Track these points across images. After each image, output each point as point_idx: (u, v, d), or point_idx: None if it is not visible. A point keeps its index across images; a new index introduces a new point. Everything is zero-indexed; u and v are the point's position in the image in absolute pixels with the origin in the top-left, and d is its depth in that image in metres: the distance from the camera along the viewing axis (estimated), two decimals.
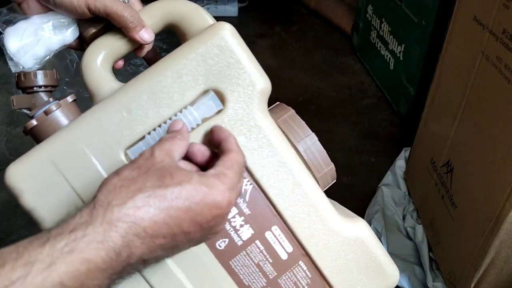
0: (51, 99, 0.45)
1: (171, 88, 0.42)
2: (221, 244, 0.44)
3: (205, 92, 0.42)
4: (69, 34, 0.46)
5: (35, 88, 0.45)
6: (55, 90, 0.46)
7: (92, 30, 0.45)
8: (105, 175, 0.42)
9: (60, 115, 0.44)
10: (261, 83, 0.43)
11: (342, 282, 0.46)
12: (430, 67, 1.05)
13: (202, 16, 0.45)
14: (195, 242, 0.36)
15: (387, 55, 1.34)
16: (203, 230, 0.35)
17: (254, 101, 0.43)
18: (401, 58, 1.25)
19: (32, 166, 0.42)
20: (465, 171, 0.75)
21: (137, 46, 0.46)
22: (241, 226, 0.44)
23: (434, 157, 0.87)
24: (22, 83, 0.45)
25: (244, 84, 0.42)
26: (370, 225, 0.91)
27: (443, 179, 0.83)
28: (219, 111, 0.42)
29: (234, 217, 0.44)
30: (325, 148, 0.49)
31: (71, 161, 0.42)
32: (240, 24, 1.80)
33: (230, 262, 0.45)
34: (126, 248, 0.31)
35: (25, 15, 0.44)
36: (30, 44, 0.44)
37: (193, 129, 0.42)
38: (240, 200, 0.44)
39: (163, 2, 0.45)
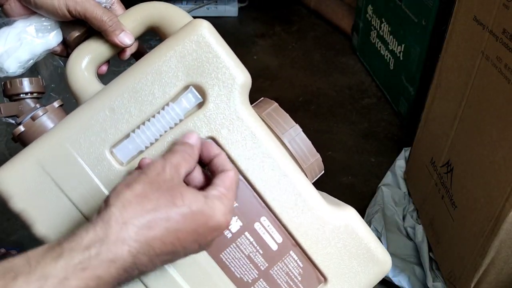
0: (38, 105, 0.46)
1: (152, 86, 0.43)
2: None
3: (186, 88, 0.43)
4: (52, 38, 0.46)
5: (21, 95, 0.45)
6: (42, 97, 0.47)
7: (76, 34, 0.46)
8: (91, 174, 0.43)
9: (47, 120, 0.45)
10: (241, 76, 0.43)
11: (334, 270, 0.47)
12: (430, 67, 1.05)
13: (181, 17, 0.46)
14: (191, 254, 0.38)
15: (387, 55, 1.34)
16: (201, 246, 0.37)
17: (235, 94, 0.43)
18: (401, 58, 1.25)
19: (20, 169, 0.42)
20: (465, 171, 0.75)
21: (120, 50, 0.46)
22: None
23: (434, 157, 0.87)
24: (8, 90, 0.45)
25: (223, 78, 0.43)
26: (370, 225, 0.92)
27: (443, 179, 0.83)
28: (200, 104, 0.43)
29: None
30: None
31: (57, 162, 0.42)
32: (240, 24, 1.80)
33: (221, 256, 0.45)
34: (133, 265, 0.32)
35: (7, 18, 0.45)
36: (13, 48, 0.44)
37: (176, 124, 0.43)
38: None
39: (143, 5, 0.46)
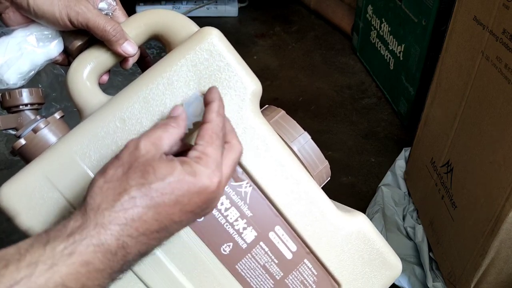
0: (38, 117, 0.44)
1: (163, 95, 0.41)
2: (226, 248, 0.44)
3: (195, 97, 0.42)
4: (54, 47, 0.44)
5: (21, 106, 0.43)
6: (41, 108, 0.45)
7: (78, 43, 0.44)
8: None
9: (48, 133, 0.43)
10: (252, 85, 0.43)
11: (347, 276, 0.46)
12: (430, 67, 1.05)
13: (186, 25, 0.44)
14: (189, 223, 0.37)
15: (387, 55, 1.34)
16: (196, 214, 0.36)
17: (246, 102, 0.43)
18: (401, 58, 1.25)
19: (26, 184, 0.41)
20: (465, 171, 0.75)
21: (122, 58, 0.45)
22: (244, 228, 0.44)
23: (434, 157, 0.87)
24: (7, 102, 0.43)
25: (235, 86, 0.42)
26: None
27: (443, 179, 0.83)
28: None
29: (236, 220, 0.44)
30: (325, 148, 0.49)
31: (66, 175, 0.41)
32: (240, 24, 1.80)
33: (236, 266, 0.45)
34: (121, 249, 0.32)
35: (6, 27, 0.43)
36: (13, 59, 0.42)
37: (185, 134, 0.42)
38: (241, 203, 0.44)
39: (146, 13, 0.45)
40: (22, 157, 0.43)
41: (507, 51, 0.62)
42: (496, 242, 0.66)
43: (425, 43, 1.10)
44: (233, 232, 0.44)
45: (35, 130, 0.42)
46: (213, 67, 0.42)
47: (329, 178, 0.51)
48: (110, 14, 0.45)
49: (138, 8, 1.75)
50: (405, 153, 1.08)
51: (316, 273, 0.46)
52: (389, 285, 0.49)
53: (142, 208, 0.32)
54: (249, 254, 0.45)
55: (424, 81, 1.12)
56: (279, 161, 0.44)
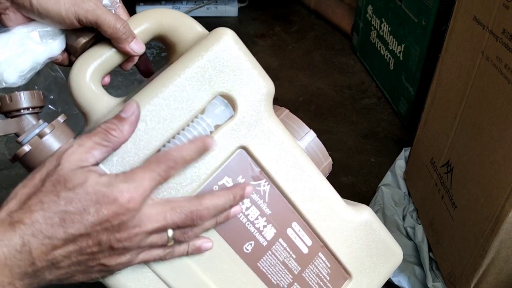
0: (40, 121, 0.41)
1: (180, 98, 0.40)
2: (248, 247, 0.45)
3: (213, 99, 0.42)
4: (56, 45, 0.42)
5: (22, 110, 0.40)
6: (41, 111, 0.42)
7: (83, 41, 0.42)
8: None
9: (53, 138, 0.40)
10: (266, 85, 0.43)
11: (357, 266, 0.49)
12: (430, 67, 1.05)
13: (191, 26, 0.44)
14: (108, 247, 0.35)
15: (387, 55, 1.34)
16: (107, 230, 0.35)
17: (262, 103, 0.43)
18: (401, 58, 1.25)
19: None
20: (465, 171, 0.75)
21: (126, 58, 0.44)
22: (264, 226, 0.45)
23: (434, 157, 0.87)
24: (7, 106, 0.40)
25: (251, 88, 0.42)
26: None
27: (443, 179, 0.83)
28: (230, 117, 0.42)
29: (257, 218, 0.45)
30: (325, 148, 0.51)
31: None
32: (240, 24, 1.80)
33: (258, 264, 0.46)
34: (26, 247, 0.33)
35: (5, 27, 0.41)
36: (14, 56, 0.40)
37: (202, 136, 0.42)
38: (260, 201, 0.45)
39: (150, 12, 0.44)
40: (24, 164, 0.40)
41: (507, 51, 0.62)
42: (496, 242, 0.66)
43: (425, 43, 1.10)
44: (254, 231, 0.45)
45: (40, 135, 0.40)
46: (228, 69, 0.41)
47: (328, 174, 0.53)
48: (113, 11, 0.43)
49: (138, 8, 1.75)
50: (405, 153, 1.08)
51: (329, 265, 0.48)
52: (393, 271, 0.52)
53: (48, 212, 0.33)
54: (269, 251, 0.46)
55: (424, 81, 1.12)
56: (294, 160, 0.45)
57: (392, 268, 0.51)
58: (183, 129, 0.41)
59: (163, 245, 0.39)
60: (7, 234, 0.32)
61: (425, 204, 0.91)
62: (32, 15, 0.41)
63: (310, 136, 0.50)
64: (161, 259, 0.40)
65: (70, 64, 0.44)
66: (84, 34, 0.42)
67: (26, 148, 0.39)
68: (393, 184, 1.03)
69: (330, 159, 0.51)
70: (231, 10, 1.84)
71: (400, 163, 1.06)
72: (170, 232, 0.38)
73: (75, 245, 0.34)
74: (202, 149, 0.39)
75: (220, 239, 0.44)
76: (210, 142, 0.40)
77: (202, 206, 0.38)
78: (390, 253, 0.51)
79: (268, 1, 1.92)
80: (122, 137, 0.37)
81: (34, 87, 0.43)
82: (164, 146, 0.41)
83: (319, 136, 0.51)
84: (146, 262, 0.40)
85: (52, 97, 0.47)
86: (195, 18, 0.45)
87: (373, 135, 1.24)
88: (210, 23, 0.44)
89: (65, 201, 0.34)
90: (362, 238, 0.49)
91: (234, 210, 0.42)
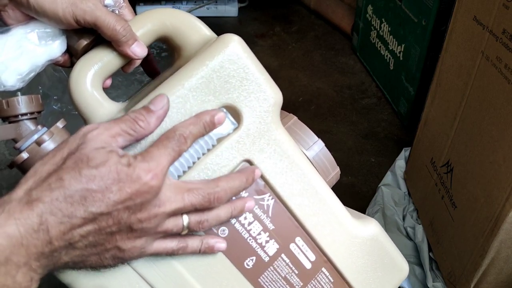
0: (39, 127, 0.40)
1: (182, 110, 0.39)
2: (249, 262, 0.44)
3: (219, 109, 0.40)
4: (56, 47, 0.40)
5: (20, 116, 0.39)
6: (40, 116, 0.41)
7: (84, 43, 0.40)
8: None
9: (52, 145, 0.39)
10: (274, 95, 0.41)
11: (362, 281, 0.47)
12: (430, 67, 1.05)
13: (197, 27, 0.42)
14: (127, 227, 0.35)
15: (387, 55, 1.34)
16: (128, 208, 0.34)
17: (269, 114, 0.41)
18: (401, 58, 1.25)
19: None
20: (465, 171, 0.75)
21: (128, 61, 0.42)
22: (267, 242, 0.44)
23: (434, 157, 0.87)
24: (4, 112, 0.39)
25: (258, 98, 0.40)
26: None
27: (443, 179, 0.83)
28: (235, 129, 0.40)
29: (259, 233, 0.43)
30: (333, 158, 0.49)
31: None
32: (240, 24, 1.80)
33: (259, 280, 0.44)
34: (43, 226, 0.32)
35: (4, 26, 0.40)
36: (12, 58, 0.38)
37: (209, 150, 0.40)
38: (263, 216, 0.43)
39: (154, 12, 0.42)
40: (23, 171, 0.39)
41: (507, 51, 0.62)
42: (496, 242, 0.66)
43: (425, 43, 1.10)
44: (256, 246, 0.43)
45: (38, 143, 0.39)
46: (235, 78, 0.39)
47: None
48: (117, 11, 0.41)
49: (138, 8, 1.75)
50: (405, 153, 1.08)
51: (332, 280, 0.47)
52: (398, 286, 0.50)
53: (68, 190, 0.32)
54: (271, 267, 0.44)
55: (424, 81, 1.12)
56: (300, 173, 0.43)
57: (398, 284, 0.49)
58: None
59: (177, 235, 0.39)
60: (24, 212, 0.31)
61: (425, 204, 0.91)
62: (30, 12, 0.39)
63: (318, 146, 0.48)
64: (173, 253, 0.39)
65: (72, 65, 0.42)
66: (86, 35, 0.41)
67: (24, 155, 0.38)
68: (393, 184, 1.03)
69: (338, 168, 0.49)
70: (231, 10, 1.84)
71: (400, 163, 1.06)
72: (185, 220, 0.38)
73: (94, 225, 0.33)
74: (208, 123, 0.38)
75: (220, 254, 0.42)
76: (218, 116, 0.39)
77: (219, 187, 0.38)
78: (396, 269, 0.49)
79: (268, 1, 1.92)
80: (148, 129, 0.37)
81: (38, 88, 0.42)
82: None
83: (319, 136, 0.50)
84: (158, 255, 0.39)
85: (56, 97, 0.46)
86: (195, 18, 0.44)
87: (373, 135, 1.24)
88: (210, 23, 0.42)
89: (87, 179, 0.32)
90: (368, 253, 0.47)
91: (249, 204, 0.41)
